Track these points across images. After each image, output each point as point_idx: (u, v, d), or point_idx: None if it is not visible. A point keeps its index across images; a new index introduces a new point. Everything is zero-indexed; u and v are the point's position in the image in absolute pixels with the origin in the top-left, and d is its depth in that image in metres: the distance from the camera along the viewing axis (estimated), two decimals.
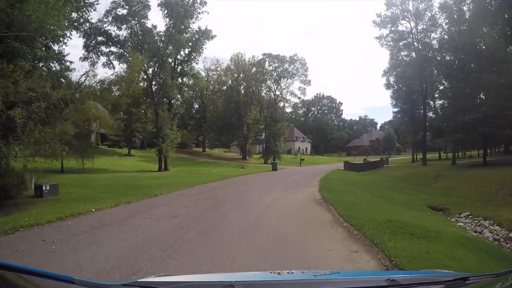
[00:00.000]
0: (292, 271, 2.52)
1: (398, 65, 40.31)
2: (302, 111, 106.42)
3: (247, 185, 16.80)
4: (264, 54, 56.90)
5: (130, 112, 42.78)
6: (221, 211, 9.23)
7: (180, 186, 16.35)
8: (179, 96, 42.92)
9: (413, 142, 48.90)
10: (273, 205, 10.57)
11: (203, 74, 62.37)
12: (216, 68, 61.45)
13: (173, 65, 39.24)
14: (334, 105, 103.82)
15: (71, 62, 25.03)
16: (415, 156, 48.90)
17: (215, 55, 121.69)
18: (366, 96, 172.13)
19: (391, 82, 45.66)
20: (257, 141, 62.48)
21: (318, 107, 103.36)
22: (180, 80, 40.44)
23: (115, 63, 36.29)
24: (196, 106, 66.65)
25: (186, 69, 40.68)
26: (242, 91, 58.54)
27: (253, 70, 56.63)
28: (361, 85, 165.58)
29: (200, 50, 40.62)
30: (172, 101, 40.27)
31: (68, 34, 20.59)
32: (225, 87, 59.99)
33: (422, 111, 41.78)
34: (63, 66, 24.65)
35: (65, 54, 23.71)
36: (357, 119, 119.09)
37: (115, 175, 25.51)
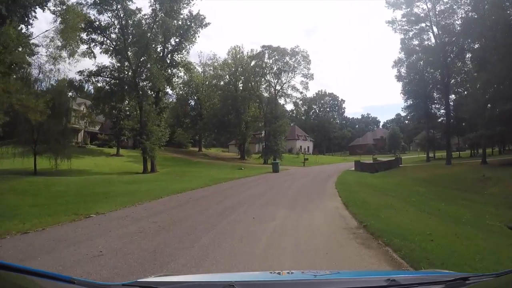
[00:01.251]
0: (292, 271, 2.38)
1: (413, 52, 35.35)
2: (303, 109, 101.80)
3: (238, 196, 11.88)
4: (263, 47, 52.02)
5: (115, 108, 38.11)
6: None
7: (148, 195, 11.68)
8: (169, 89, 37.84)
9: (427, 138, 43.69)
10: (275, 249, 5.26)
11: (200, 70, 57.80)
12: (213, 63, 56.53)
13: (162, 54, 34.39)
14: (336, 102, 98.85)
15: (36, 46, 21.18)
16: (430, 154, 43.97)
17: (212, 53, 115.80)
18: (366, 95, 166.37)
19: (403, 74, 40.72)
20: (256, 140, 57.70)
21: (320, 105, 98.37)
22: (170, 71, 35.33)
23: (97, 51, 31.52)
24: (192, 103, 61.66)
25: (176, 58, 35.59)
26: (240, 86, 53.87)
27: (252, 64, 51.86)
28: (361, 84, 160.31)
29: (193, 39, 35.69)
30: (160, 94, 35.34)
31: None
32: (222, 83, 55.15)
33: (437, 105, 36.90)
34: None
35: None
36: (359, 117, 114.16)
37: (89, 178, 21.79)
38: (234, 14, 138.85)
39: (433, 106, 41.26)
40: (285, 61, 51.28)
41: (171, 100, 61.40)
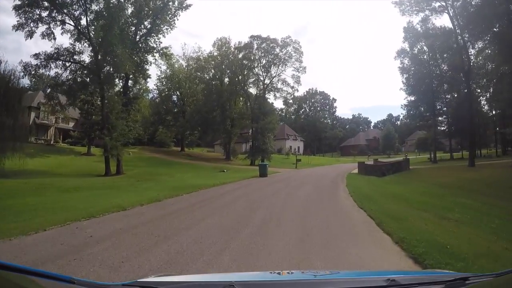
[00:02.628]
0: (292, 271, 2.42)
1: (421, 37, 30.72)
2: (293, 108, 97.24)
3: (182, 235, 5.56)
4: (251, 37, 47.12)
5: (87, 102, 31.85)
6: None
7: (54, 215, 6.42)
8: (141, 78, 31.97)
9: (432, 137, 39.19)
10: None
11: (183, 63, 52.19)
12: (198, 56, 50.79)
13: (134, 37, 28.80)
14: (327, 101, 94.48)
15: None
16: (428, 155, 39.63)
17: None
18: (354, 97, 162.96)
19: (406, 65, 36.22)
20: (243, 139, 52.54)
21: (310, 104, 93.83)
22: (142, 57, 29.62)
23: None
24: (175, 99, 55.95)
25: (151, 43, 29.93)
26: (227, 81, 48.65)
27: (239, 56, 46.71)
28: (349, 86, 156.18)
29: (171, 21, 30.17)
30: (129, 83, 29.73)
31: None
32: (207, 77, 49.87)
33: (442, 101, 32.40)
34: None
35: None
36: (350, 117, 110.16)
37: (29, 181, 17.03)
38: (221, 13, 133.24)
39: (444, 99, 36.82)
40: (275, 53, 46.45)
41: (152, 95, 56.21)
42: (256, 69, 47.52)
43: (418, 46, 32.84)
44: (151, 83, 64.48)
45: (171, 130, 53.89)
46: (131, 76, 28.43)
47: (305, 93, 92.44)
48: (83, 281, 1.27)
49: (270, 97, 53.86)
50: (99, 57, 25.91)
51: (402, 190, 14.69)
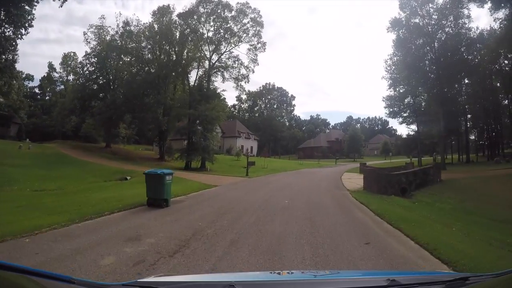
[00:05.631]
0: (292, 271, 2.38)
1: None
2: (247, 104, 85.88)
3: None
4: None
5: None
6: None
7: None
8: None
9: (443, 135, 28.67)
10: None
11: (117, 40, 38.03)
12: (138, 33, 36.78)
13: None
14: (284, 98, 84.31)
15: None
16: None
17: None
18: (309, 101, 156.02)
19: (402, 36, 26.37)
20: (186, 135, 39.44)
21: (267, 101, 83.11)
22: None
23: None
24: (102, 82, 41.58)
25: None
26: (164, 58, 35.95)
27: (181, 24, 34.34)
28: (303, 90, 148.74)
29: None
30: None
31: None
32: (149, 56, 36.96)
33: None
34: None
35: None
36: (308, 118, 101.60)
37: None
38: None
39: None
40: (227, 26, 34.40)
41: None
42: (202, 44, 35.06)
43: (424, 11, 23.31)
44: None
45: (97, 120, 39.45)
46: None
47: (261, 88, 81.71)
48: (83, 281, 1.23)
49: (218, 79, 42.14)
50: None
51: None
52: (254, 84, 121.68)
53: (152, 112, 34.44)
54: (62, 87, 55.60)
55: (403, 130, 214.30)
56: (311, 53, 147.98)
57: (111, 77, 39.71)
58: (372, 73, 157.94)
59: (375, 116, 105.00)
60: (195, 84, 32.84)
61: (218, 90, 32.60)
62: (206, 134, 29.14)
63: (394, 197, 10.95)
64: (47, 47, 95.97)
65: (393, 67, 30.32)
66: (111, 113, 35.31)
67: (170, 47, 35.18)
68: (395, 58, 29.47)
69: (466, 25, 24.68)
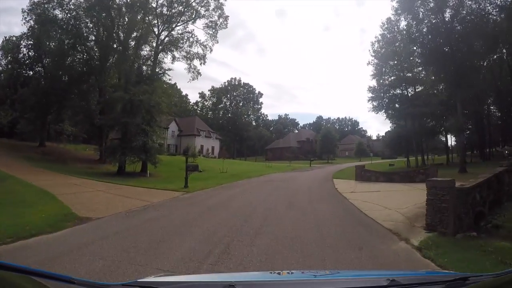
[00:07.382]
0: (292, 271, 2.34)
1: None
2: (211, 102, 78.31)
3: None
4: None
5: None
6: None
7: None
8: None
9: (460, 122, 23.27)
10: None
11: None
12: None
13: None
14: (251, 95, 77.70)
15: None
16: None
17: None
18: (274, 105, 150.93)
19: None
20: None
21: (232, 97, 76.05)
22: None
23: None
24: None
25: None
26: (102, 33, 28.04)
27: None
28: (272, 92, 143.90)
29: None
30: None
31: None
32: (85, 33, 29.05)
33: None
34: None
35: None
36: (276, 118, 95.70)
37: None
38: None
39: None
40: None
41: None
42: (150, 17, 27.50)
43: None
44: None
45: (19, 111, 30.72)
46: None
47: (226, 84, 74.59)
48: (83, 281, 1.22)
49: (167, 60, 36.90)
50: None
51: None
52: (219, 83, 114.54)
53: (85, 100, 26.46)
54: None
55: (373, 131, 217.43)
56: (279, 56, 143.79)
57: (47, 61, 30.85)
58: (341, 76, 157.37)
59: (345, 117, 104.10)
60: (134, 62, 25.05)
61: (163, 70, 25.04)
62: (146, 128, 21.53)
63: (495, 243, 4.49)
64: None
65: (383, 50, 25.10)
66: (36, 100, 26.83)
67: (107, 15, 26.93)
68: (388, 36, 23.94)
69: None
